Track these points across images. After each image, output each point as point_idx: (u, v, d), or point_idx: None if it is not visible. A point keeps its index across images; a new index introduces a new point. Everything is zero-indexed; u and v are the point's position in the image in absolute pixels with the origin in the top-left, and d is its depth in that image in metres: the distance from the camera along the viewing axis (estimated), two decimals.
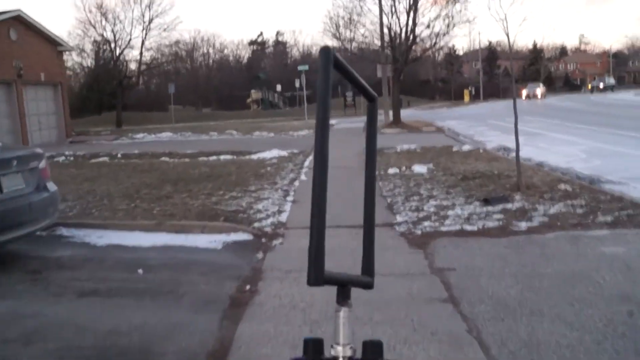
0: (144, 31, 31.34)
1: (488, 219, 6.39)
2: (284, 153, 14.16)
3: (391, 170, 10.30)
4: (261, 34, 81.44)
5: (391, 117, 26.30)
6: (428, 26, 21.25)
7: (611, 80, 64.67)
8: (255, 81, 65.34)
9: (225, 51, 78.11)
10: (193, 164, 12.49)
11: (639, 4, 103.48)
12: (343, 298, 0.89)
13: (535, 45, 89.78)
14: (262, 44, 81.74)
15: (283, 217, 7.01)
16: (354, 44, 24.28)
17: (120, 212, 7.41)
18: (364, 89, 0.98)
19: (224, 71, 74.71)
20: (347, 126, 25.21)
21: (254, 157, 13.73)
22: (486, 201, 7.26)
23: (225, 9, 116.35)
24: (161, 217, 6.98)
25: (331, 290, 0.85)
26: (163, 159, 14.12)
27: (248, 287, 4.49)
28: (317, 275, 0.74)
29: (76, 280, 4.79)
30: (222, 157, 13.93)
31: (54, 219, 5.90)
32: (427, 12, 27.63)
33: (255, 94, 64.49)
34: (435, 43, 21.90)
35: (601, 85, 63.89)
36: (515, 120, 7.95)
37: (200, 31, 77.75)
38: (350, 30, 22.69)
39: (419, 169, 10.22)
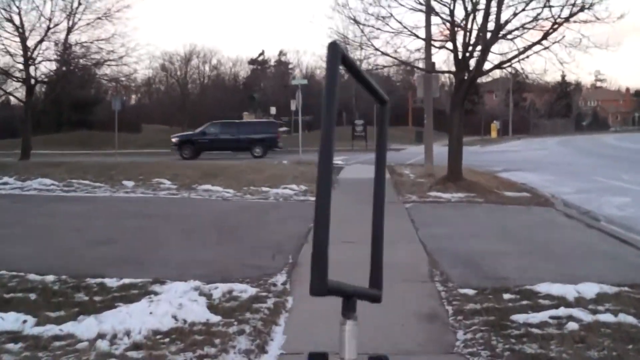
0: (70, 17, 21.57)
1: None
2: (208, 315, 4.49)
3: None
4: (262, 52, 72.95)
5: (434, 164, 16.71)
6: None
7: None
8: (249, 102, 56.30)
9: (222, 68, 69.21)
10: None
11: None
12: (349, 310, 0.84)
13: (563, 77, 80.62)
14: (263, 63, 73.37)
15: None
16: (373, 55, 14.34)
17: None
18: (374, 90, 0.94)
19: (219, 90, 65.81)
20: (360, 174, 15.22)
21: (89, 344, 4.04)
22: None
23: (226, 25, 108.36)
24: None
25: None
26: None
27: None
28: (320, 284, 0.71)
29: None
30: None
31: None
32: None
33: (247, 117, 55.50)
34: (556, 25, 11.08)
35: None
36: None
37: (197, 45, 68.56)
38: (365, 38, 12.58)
39: None
